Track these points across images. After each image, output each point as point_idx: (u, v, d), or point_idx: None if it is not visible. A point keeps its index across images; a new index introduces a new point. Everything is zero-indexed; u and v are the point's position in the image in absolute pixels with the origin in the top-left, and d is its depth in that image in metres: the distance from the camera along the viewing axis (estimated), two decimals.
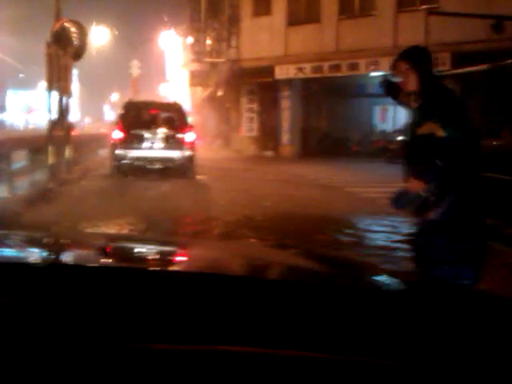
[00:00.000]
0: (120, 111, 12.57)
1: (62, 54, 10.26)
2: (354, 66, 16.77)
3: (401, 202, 3.07)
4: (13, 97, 66.29)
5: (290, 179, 11.94)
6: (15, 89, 66.21)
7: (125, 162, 11.44)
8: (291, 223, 6.57)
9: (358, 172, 13.94)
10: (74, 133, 13.21)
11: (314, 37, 17.67)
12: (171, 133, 11.64)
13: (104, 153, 19.21)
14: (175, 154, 11.51)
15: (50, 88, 9.31)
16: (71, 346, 0.70)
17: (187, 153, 11.53)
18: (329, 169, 14.58)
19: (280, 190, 9.97)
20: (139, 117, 12.05)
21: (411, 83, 2.97)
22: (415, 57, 3.03)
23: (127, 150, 11.38)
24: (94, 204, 7.85)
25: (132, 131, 11.47)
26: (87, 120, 72.33)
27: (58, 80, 9.96)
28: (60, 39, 10.47)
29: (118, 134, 11.57)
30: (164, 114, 12.24)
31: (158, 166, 11.62)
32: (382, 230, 6.31)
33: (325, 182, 11.57)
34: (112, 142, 11.79)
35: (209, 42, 25.37)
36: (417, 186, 2.90)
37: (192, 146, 11.75)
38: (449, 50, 15.31)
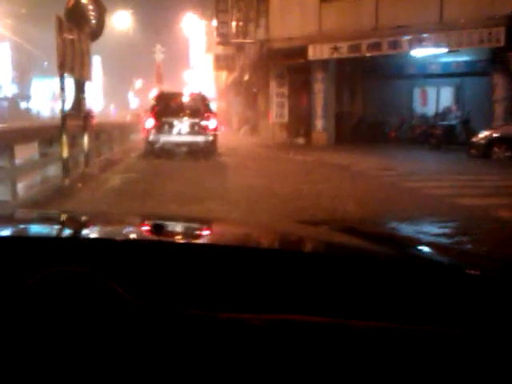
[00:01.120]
0: (152, 102, 14.43)
1: (78, 33, 9.16)
2: (395, 44, 15.25)
3: None
4: (38, 85, 66.21)
5: (332, 170, 10.68)
6: (40, 77, 65.99)
7: (157, 145, 13.27)
8: None
9: (404, 161, 12.58)
10: (94, 121, 12.32)
11: (351, 13, 16.19)
12: (196, 120, 13.40)
13: (128, 142, 18.30)
14: (199, 138, 13.27)
15: (63, 72, 8.18)
16: (146, 314, 0.72)
17: (210, 137, 13.32)
18: (370, 158, 13.26)
19: (327, 184, 8.70)
20: (169, 106, 13.79)
21: None
22: None
23: (159, 135, 13.26)
24: (116, 201, 6.85)
25: (163, 119, 13.32)
26: (112, 107, 71.85)
27: (73, 63, 8.88)
28: (75, 17, 9.37)
29: (151, 122, 13.44)
30: (190, 104, 14.04)
31: (184, 148, 13.34)
32: None
33: (373, 173, 10.28)
34: (146, 128, 13.64)
35: (234, 23, 24.17)
36: None
37: (214, 131, 13.51)
38: (503, 25, 13.89)
